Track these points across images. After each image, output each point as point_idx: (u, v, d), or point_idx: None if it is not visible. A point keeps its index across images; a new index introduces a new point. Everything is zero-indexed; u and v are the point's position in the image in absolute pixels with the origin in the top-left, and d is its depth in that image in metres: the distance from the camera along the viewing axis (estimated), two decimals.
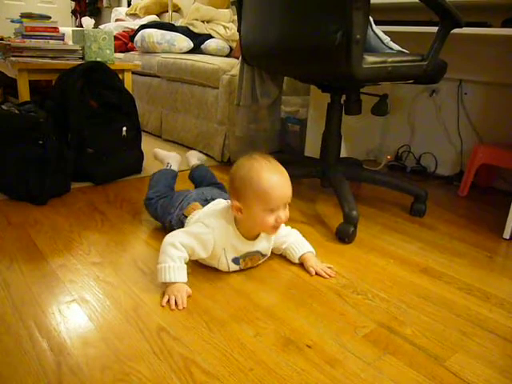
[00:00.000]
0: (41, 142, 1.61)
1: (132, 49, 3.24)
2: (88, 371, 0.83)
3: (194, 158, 1.77)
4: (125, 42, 3.38)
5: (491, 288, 1.23)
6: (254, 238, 1.19)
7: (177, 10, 3.80)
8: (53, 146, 1.64)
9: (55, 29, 1.99)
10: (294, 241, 1.30)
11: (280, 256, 1.32)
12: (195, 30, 3.02)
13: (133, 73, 2.44)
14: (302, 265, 1.28)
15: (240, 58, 1.95)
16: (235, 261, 1.19)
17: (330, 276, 1.23)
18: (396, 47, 1.54)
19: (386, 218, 1.68)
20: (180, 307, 1.05)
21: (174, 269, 1.09)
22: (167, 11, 3.79)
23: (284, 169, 1.13)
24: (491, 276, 1.30)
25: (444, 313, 1.09)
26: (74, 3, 5.46)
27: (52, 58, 1.94)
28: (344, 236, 1.44)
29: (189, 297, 1.09)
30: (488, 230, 1.63)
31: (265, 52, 1.65)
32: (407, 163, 2.39)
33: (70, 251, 1.29)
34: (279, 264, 1.29)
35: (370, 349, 0.94)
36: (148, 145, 2.32)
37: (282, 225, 1.18)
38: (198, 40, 2.95)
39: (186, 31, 2.99)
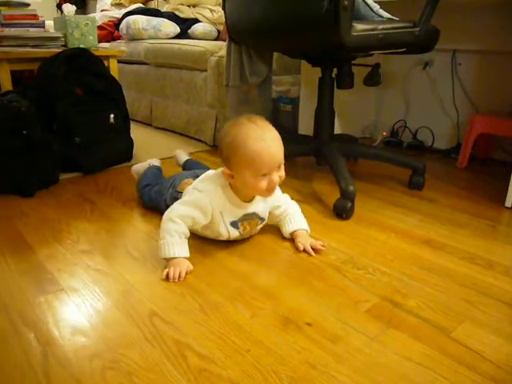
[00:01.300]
0: (25, 133, 1.56)
1: (119, 38, 3.17)
2: (76, 361, 0.79)
3: (184, 154, 1.72)
4: (111, 31, 3.31)
5: (495, 256, 1.18)
6: (250, 199, 1.16)
7: None
8: (37, 135, 1.59)
9: (35, 16, 1.92)
10: (291, 214, 1.25)
11: (276, 234, 1.28)
12: (181, 15, 2.95)
13: (120, 61, 2.38)
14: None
15: (227, 38, 1.89)
16: (234, 224, 1.16)
17: (316, 250, 1.18)
18: (386, 15, 1.48)
19: (384, 193, 1.63)
20: (175, 280, 1.03)
21: (173, 243, 1.07)
22: None
23: (274, 129, 1.09)
24: (494, 244, 1.26)
25: (448, 283, 1.05)
26: None
27: (33, 46, 1.87)
28: (342, 212, 1.39)
29: (190, 273, 1.07)
30: (489, 200, 1.58)
31: (251, 28, 1.60)
32: (403, 139, 2.33)
33: (59, 241, 1.24)
34: (275, 243, 1.25)
35: (372, 323, 0.90)
36: (138, 133, 2.27)
37: (279, 191, 1.21)
38: (185, 25, 2.88)
39: (172, 16, 2.92)
